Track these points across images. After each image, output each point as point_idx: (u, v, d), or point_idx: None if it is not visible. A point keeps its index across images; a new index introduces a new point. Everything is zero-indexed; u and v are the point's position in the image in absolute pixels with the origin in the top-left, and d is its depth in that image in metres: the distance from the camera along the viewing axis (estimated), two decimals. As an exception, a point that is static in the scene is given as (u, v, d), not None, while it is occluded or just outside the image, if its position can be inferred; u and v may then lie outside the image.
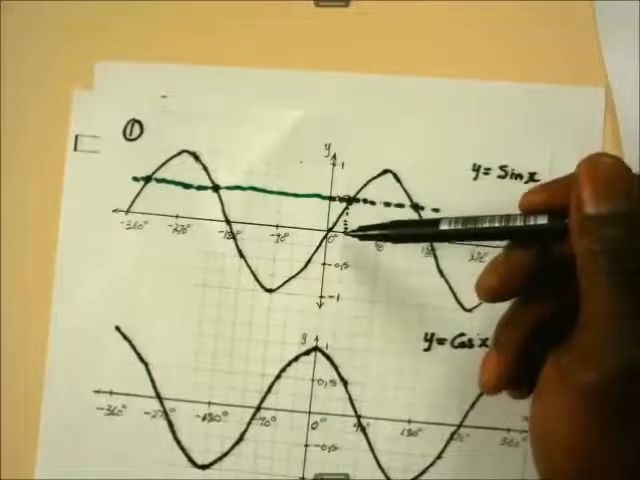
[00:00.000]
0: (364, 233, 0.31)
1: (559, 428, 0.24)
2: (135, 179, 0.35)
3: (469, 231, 0.27)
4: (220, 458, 0.34)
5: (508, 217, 0.26)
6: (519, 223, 0.26)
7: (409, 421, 0.34)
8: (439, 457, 0.34)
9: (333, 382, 0.34)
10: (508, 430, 0.34)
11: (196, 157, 0.35)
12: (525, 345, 0.26)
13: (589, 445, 0.23)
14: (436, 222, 0.28)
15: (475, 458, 0.34)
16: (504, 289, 0.26)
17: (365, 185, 0.35)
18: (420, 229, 0.29)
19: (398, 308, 0.34)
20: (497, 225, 0.27)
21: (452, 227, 0.28)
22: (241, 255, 0.35)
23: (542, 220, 0.25)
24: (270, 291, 0.35)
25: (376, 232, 0.31)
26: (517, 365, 0.26)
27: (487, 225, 0.27)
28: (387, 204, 0.34)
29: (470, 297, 0.34)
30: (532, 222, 0.26)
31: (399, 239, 0.30)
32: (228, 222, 0.35)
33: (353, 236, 0.32)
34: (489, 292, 0.26)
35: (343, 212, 0.35)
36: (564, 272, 0.25)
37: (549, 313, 0.26)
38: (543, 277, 0.26)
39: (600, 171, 0.23)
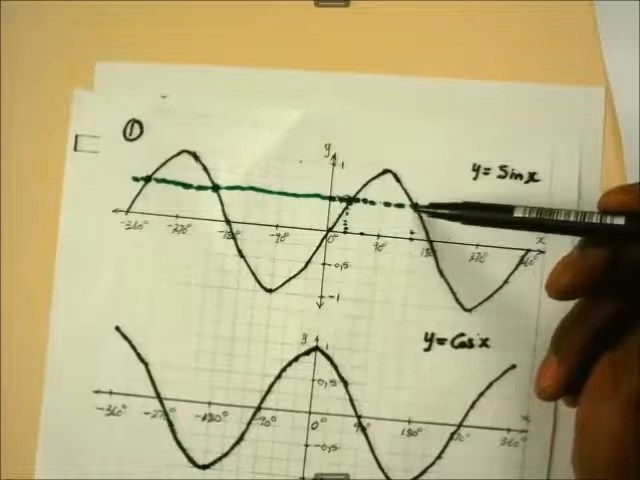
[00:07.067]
0: (434, 210, 0.32)
1: (607, 430, 0.23)
2: (135, 179, 0.35)
3: (543, 222, 0.27)
4: (220, 458, 0.34)
5: (584, 213, 0.26)
6: (595, 220, 0.26)
7: (409, 421, 0.34)
8: (439, 457, 0.34)
9: (333, 382, 0.34)
10: (508, 430, 0.34)
11: (196, 157, 0.35)
12: (588, 349, 0.26)
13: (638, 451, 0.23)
14: (510, 209, 0.28)
15: (475, 458, 0.34)
16: (576, 287, 0.25)
17: (365, 185, 0.35)
18: (493, 214, 0.30)
19: (398, 308, 0.34)
20: (573, 220, 0.27)
21: (527, 215, 0.28)
22: (241, 255, 0.35)
23: (619, 221, 0.25)
24: (270, 291, 0.35)
25: (447, 211, 0.31)
26: (578, 370, 0.26)
27: (562, 218, 0.27)
28: (387, 204, 0.34)
29: (470, 297, 0.34)
30: (609, 221, 0.26)
31: (469, 221, 0.31)
32: (228, 222, 0.35)
33: (424, 212, 0.33)
34: (561, 290, 0.26)
35: (343, 212, 0.34)
36: (633, 274, 0.25)
37: (612, 316, 0.26)
38: (611, 278, 0.25)
39: None
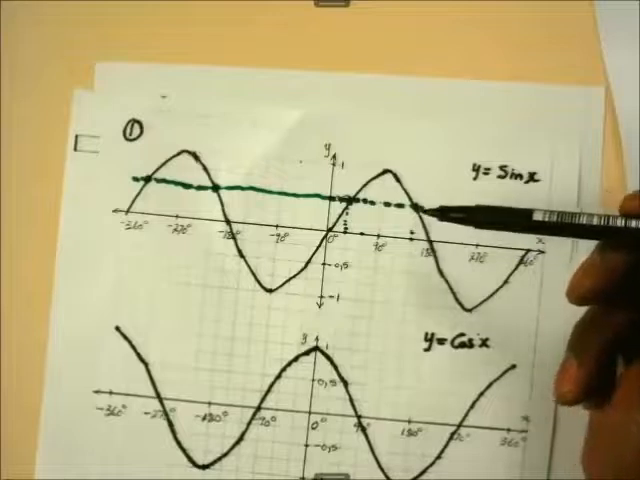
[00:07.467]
0: (449, 215, 0.28)
1: (636, 440, 0.23)
2: (135, 179, 0.35)
3: (564, 226, 0.26)
4: (220, 458, 0.34)
5: (608, 217, 0.25)
6: (620, 224, 0.25)
7: (409, 421, 0.34)
8: (439, 457, 0.34)
9: (333, 382, 0.34)
10: (508, 430, 0.34)
11: (196, 157, 0.35)
12: (608, 352, 0.25)
13: None
14: (528, 212, 0.26)
15: (475, 458, 0.34)
16: (599, 292, 0.25)
17: (365, 185, 0.35)
18: (510, 217, 0.27)
19: (398, 308, 0.34)
20: (596, 223, 0.26)
21: (546, 219, 0.26)
22: (241, 255, 0.35)
23: None
24: (270, 291, 0.35)
25: (462, 215, 0.28)
26: (599, 373, 0.25)
27: (585, 222, 0.26)
28: (387, 204, 0.34)
29: (470, 297, 0.34)
30: (634, 225, 0.25)
31: (485, 225, 0.28)
32: (228, 222, 0.35)
33: (432, 215, 0.29)
34: (582, 295, 0.25)
35: (343, 212, 0.35)
36: None
37: (633, 318, 0.25)
38: (630, 283, 0.25)
39: None
